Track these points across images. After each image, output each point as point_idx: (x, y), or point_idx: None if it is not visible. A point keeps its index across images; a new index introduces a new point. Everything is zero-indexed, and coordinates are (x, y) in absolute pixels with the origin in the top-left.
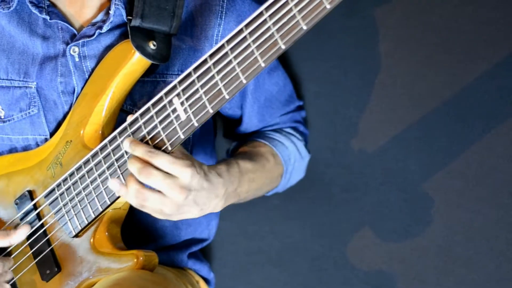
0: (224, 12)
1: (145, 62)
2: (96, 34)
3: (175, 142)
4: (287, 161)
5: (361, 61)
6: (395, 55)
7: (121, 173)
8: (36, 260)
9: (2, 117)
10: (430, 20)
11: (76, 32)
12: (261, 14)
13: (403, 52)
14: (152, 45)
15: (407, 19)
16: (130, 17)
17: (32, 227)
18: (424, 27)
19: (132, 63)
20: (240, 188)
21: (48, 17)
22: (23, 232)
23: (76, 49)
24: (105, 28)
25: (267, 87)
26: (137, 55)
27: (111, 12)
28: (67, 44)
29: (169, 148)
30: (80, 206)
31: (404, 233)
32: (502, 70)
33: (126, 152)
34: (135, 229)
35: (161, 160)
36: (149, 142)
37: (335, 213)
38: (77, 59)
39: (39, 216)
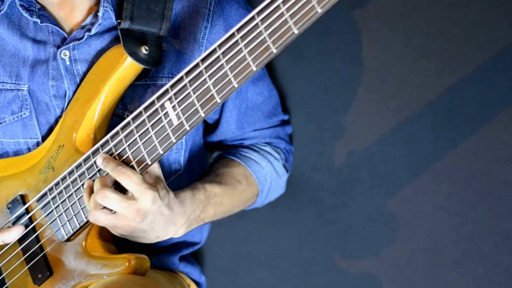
0: (211, 15)
1: (138, 67)
2: (85, 36)
3: (167, 147)
4: (262, 182)
5: (348, 64)
6: (382, 59)
7: None
8: (29, 265)
9: None
10: (417, 23)
11: (66, 36)
12: (252, 18)
13: (390, 56)
14: (144, 50)
15: (393, 22)
16: (120, 20)
17: (24, 231)
18: (411, 30)
19: (124, 68)
20: (205, 213)
21: (38, 20)
22: (16, 231)
23: (67, 52)
24: (93, 31)
25: (250, 95)
26: (129, 59)
27: (100, 14)
28: (58, 47)
29: (161, 152)
30: (73, 210)
31: (392, 237)
32: (489, 73)
33: (118, 156)
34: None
35: (127, 179)
36: (141, 146)
37: (323, 217)
38: (68, 63)
39: (31, 220)
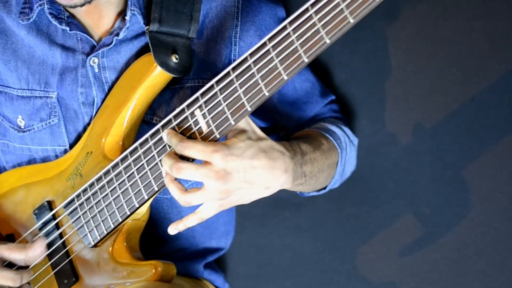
0: (240, 13)
1: (167, 76)
2: (114, 41)
3: None
4: (339, 144)
5: (373, 74)
6: (407, 68)
7: (142, 185)
8: (55, 270)
9: (22, 127)
10: (442, 33)
11: (95, 43)
12: (285, 27)
13: (415, 65)
14: (174, 59)
15: (420, 32)
16: (148, 25)
17: (50, 238)
18: (436, 40)
19: (154, 76)
20: (305, 166)
21: (68, 28)
22: (39, 245)
23: (96, 60)
24: (121, 34)
25: (299, 85)
26: (159, 68)
27: (127, 18)
28: (87, 55)
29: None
30: (100, 216)
31: (415, 246)
32: None
33: (147, 163)
34: (151, 233)
35: (191, 150)
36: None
37: (346, 226)
38: (96, 70)
39: (58, 226)
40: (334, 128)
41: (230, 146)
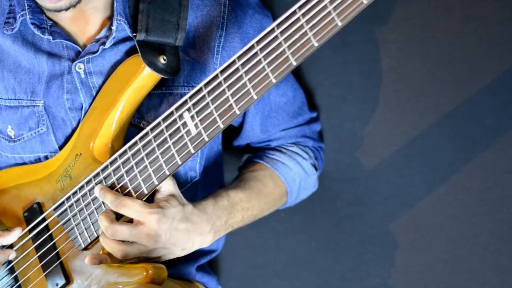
0: (225, 24)
1: (156, 77)
2: (100, 50)
3: (185, 157)
4: (290, 183)
5: (365, 75)
6: (398, 70)
7: (132, 188)
8: (46, 272)
9: (13, 137)
10: (433, 35)
11: (80, 49)
12: (272, 30)
13: (407, 67)
14: (162, 60)
15: (410, 34)
16: (135, 33)
17: (40, 239)
18: (427, 42)
19: (142, 78)
20: (232, 219)
21: (51, 38)
22: (16, 232)
23: (82, 65)
24: (108, 44)
25: (273, 98)
26: (147, 69)
27: (113, 28)
28: (72, 61)
29: (179, 163)
30: (90, 219)
31: (409, 247)
32: (507, 84)
33: (136, 166)
34: None
35: (127, 209)
36: (160, 156)
37: (340, 227)
38: (83, 76)
39: (48, 228)
40: (290, 163)
41: (165, 210)
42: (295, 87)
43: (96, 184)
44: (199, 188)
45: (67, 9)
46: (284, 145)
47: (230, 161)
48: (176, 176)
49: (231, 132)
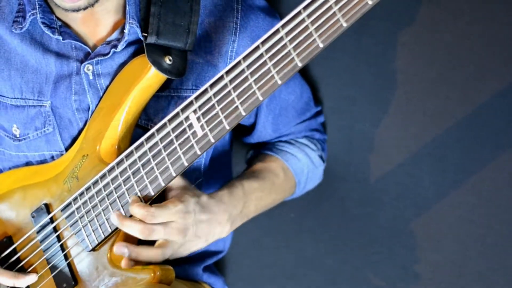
0: (238, 29)
1: (161, 77)
2: (111, 53)
3: (191, 158)
4: (299, 174)
5: (375, 77)
6: (409, 72)
7: (138, 189)
8: (53, 273)
9: (18, 136)
10: (443, 37)
11: (90, 51)
12: (277, 31)
13: (417, 69)
14: (168, 60)
15: (420, 36)
16: (146, 34)
17: (48, 241)
18: (437, 44)
19: (148, 78)
20: (247, 209)
21: (60, 38)
22: (30, 279)
23: (90, 67)
24: (120, 47)
25: (283, 96)
26: (153, 69)
27: (126, 31)
28: (81, 62)
29: (186, 164)
30: (97, 220)
31: (417, 248)
32: None
33: (143, 167)
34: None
35: (157, 218)
36: (166, 158)
37: (349, 228)
38: (91, 77)
39: (55, 230)
40: (299, 154)
41: (184, 205)
42: (302, 83)
43: (103, 186)
44: (204, 189)
45: (85, 8)
46: (294, 138)
47: (237, 156)
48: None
49: (241, 129)
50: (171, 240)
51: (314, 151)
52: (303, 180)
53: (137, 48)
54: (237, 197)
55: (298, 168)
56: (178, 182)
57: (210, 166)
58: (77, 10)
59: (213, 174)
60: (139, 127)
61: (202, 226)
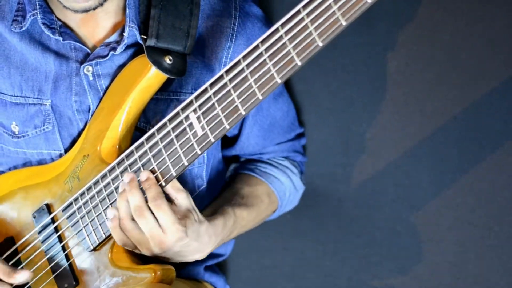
0: (234, 35)
1: (162, 77)
2: (110, 55)
3: (192, 158)
4: (282, 197)
5: (373, 77)
6: (406, 72)
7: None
8: (55, 274)
9: (17, 133)
10: (441, 37)
11: (89, 52)
12: (277, 30)
13: (415, 69)
14: (168, 60)
15: (419, 36)
16: (145, 36)
17: (49, 241)
18: (435, 44)
19: (149, 78)
20: (230, 235)
21: (60, 38)
22: (24, 275)
23: (90, 68)
24: (119, 50)
25: (272, 111)
26: (154, 69)
27: (125, 34)
28: (81, 63)
29: (186, 164)
30: (98, 220)
31: (416, 249)
32: None
33: (143, 167)
34: None
35: (161, 213)
36: (166, 157)
37: (347, 229)
38: (91, 78)
39: (56, 230)
40: (282, 177)
41: (187, 230)
42: (289, 101)
43: (104, 186)
44: (205, 196)
45: (95, 8)
46: (275, 158)
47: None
48: (183, 184)
49: (223, 141)
50: (148, 242)
51: (295, 175)
52: (284, 203)
53: (136, 50)
54: (228, 226)
55: (281, 191)
56: (184, 201)
57: (210, 174)
58: (87, 10)
59: (212, 183)
60: (138, 129)
61: (186, 250)
